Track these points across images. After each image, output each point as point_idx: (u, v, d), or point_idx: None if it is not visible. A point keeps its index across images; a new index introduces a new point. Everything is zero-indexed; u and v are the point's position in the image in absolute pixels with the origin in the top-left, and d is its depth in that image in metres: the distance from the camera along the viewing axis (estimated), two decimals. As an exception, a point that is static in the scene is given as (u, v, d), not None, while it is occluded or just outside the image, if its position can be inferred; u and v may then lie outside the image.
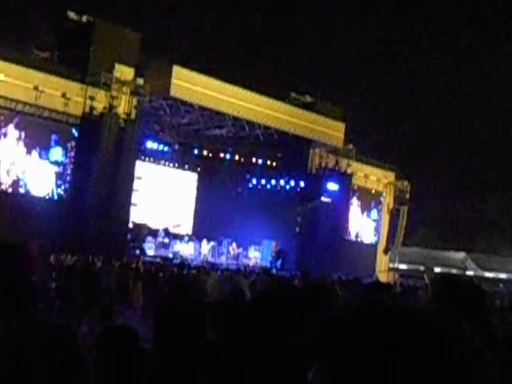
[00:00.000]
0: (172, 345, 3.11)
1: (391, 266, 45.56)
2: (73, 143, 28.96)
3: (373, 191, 41.85)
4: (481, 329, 2.69)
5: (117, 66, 29.15)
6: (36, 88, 26.94)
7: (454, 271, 49.98)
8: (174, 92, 29.74)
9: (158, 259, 29.30)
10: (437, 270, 50.41)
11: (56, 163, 28.69)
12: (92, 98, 28.67)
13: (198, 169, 41.11)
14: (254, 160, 39.10)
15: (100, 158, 28.38)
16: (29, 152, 27.79)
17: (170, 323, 3.21)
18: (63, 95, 27.88)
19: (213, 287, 3.41)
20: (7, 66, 26.23)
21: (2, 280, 3.15)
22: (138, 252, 30.97)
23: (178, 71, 29.59)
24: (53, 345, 2.24)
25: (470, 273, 50.96)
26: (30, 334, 2.29)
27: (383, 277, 40.73)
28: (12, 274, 3.16)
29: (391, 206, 42.58)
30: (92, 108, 28.71)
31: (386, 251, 42.88)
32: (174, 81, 29.37)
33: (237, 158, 39.07)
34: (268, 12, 64.45)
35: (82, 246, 23.94)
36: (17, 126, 27.25)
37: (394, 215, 42.52)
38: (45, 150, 28.30)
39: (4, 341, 2.37)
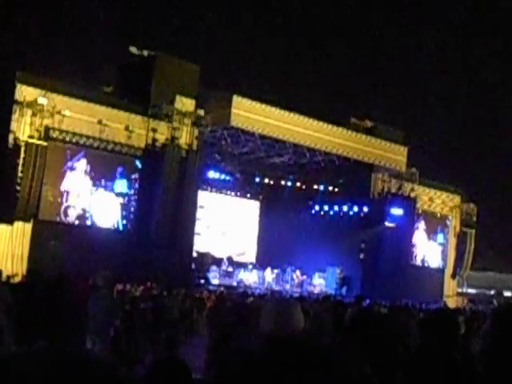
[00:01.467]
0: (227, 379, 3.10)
1: (459, 290, 44.50)
2: (137, 175, 29.46)
3: (438, 215, 41.14)
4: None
5: (178, 97, 29.64)
6: (100, 122, 27.62)
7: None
8: (234, 121, 30.01)
9: (223, 288, 29.35)
10: (507, 294, 49.00)
11: (121, 195, 29.22)
12: (154, 130, 29.19)
13: (260, 197, 41.27)
14: (315, 186, 38.99)
15: (163, 189, 28.77)
16: (95, 184, 28.41)
17: (229, 359, 3.20)
18: (126, 128, 28.48)
19: (266, 316, 3.33)
20: (72, 102, 26.97)
21: (57, 309, 3.20)
22: (202, 281, 31.15)
23: (237, 101, 29.87)
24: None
25: (542, 296, 49.35)
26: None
27: (451, 302, 39.83)
28: (66, 303, 3.21)
29: (458, 230, 41.72)
30: (154, 140, 29.22)
31: (453, 276, 41.95)
32: (233, 110, 29.65)
33: (298, 184, 39.04)
34: (323, 38, 64.61)
35: (147, 276, 24.20)
36: (83, 160, 27.91)
37: (460, 239, 41.63)
38: (110, 181, 28.88)
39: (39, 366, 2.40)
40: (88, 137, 27.64)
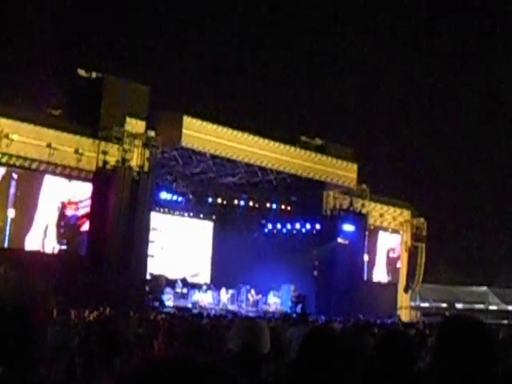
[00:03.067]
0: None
1: (413, 304, 45.05)
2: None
3: (389, 230, 41.69)
4: (486, 367, 2.67)
5: (128, 119, 29.53)
6: (49, 145, 27.28)
7: (477, 306, 49.33)
8: (185, 142, 30.00)
9: (175, 310, 29.13)
10: (459, 306, 49.79)
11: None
12: (105, 153, 28.97)
13: (213, 217, 41.24)
14: (268, 205, 39.14)
15: (115, 211, 28.52)
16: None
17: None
18: (76, 151, 28.19)
19: (229, 337, 3.35)
20: (20, 126, 26.62)
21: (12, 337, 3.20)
22: (156, 303, 30.87)
23: (188, 121, 29.89)
24: None
25: (492, 307, 50.28)
26: None
27: (405, 316, 40.29)
28: (21, 332, 3.20)
29: (409, 244, 42.32)
30: (105, 162, 28.98)
31: (406, 290, 42.48)
32: (184, 131, 29.64)
33: (251, 204, 39.13)
34: (273, 56, 65.18)
35: (100, 300, 23.88)
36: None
37: (412, 253, 42.23)
38: (60, 206, 28.49)
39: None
40: (37, 161, 27.26)
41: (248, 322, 4.02)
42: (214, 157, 32.44)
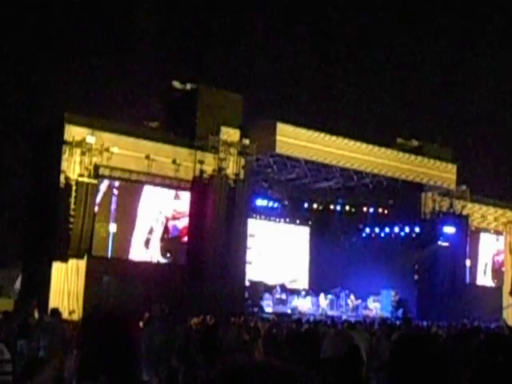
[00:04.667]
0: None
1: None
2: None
3: (492, 231, 40.40)
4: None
5: (223, 128, 29.92)
6: (148, 157, 28.01)
7: None
8: (280, 149, 30.08)
9: (276, 316, 29.20)
10: None
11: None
12: (201, 162, 29.46)
13: (310, 222, 41.15)
14: (365, 209, 38.70)
15: (213, 220, 28.93)
16: (145, 219, 28.73)
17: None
18: (174, 161, 28.80)
19: (328, 344, 3.36)
20: (119, 139, 27.45)
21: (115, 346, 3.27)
22: (256, 310, 31.06)
23: (281, 128, 29.97)
24: None
25: None
26: None
27: (511, 320, 38.87)
28: (123, 340, 3.27)
29: (513, 246, 40.87)
30: (202, 171, 29.47)
31: (511, 293, 41.00)
32: (278, 138, 29.74)
33: (347, 208, 38.82)
34: (365, 60, 64.55)
35: (200, 307, 24.26)
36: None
37: (516, 255, 40.75)
38: (161, 215, 29.18)
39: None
40: (137, 172, 28.03)
41: (344, 332, 3.99)
42: (308, 162, 32.37)
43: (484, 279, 39.99)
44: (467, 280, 37.98)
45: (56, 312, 14.35)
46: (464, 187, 36.95)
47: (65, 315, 18.66)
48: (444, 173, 35.53)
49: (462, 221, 36.70)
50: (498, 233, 40.66)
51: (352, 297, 35.68)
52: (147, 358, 9.63)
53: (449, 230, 35.91)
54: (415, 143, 36.45)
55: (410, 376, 2.74)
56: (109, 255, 27.53)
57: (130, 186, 28.15)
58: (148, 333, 10.28)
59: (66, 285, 25.99)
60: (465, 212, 37.16)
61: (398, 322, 24.36)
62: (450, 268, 35.25)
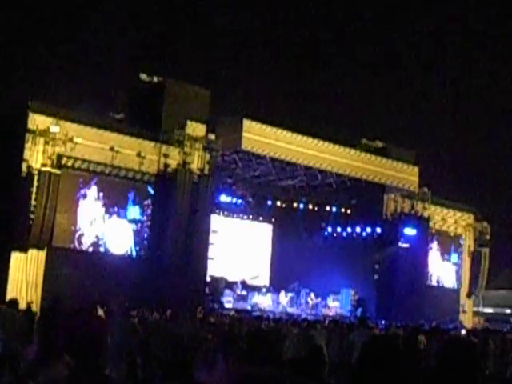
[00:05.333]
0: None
1: (475, 309, 44.14)
2: (149, 201, 29.54)
3: (452, 234, 40.93)
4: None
5: (189, 123, 29.80)
6: (112, 149, 27.78)
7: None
8: (245, 145, 30.07)
9: (236, 312, 29.23)
10: (524, 312, 48.55)
11: (134, 221, 29.28)
12: (166, 156, 29.32)
13: (273, 220, 41.26)
14: (328, 208, 38.94)
15: (175, 214, 28.82)
16: (107, 211, 28.50)
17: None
18: (138, 154, 28.61)
19: (290, 344, 3.36)
20: (84, 129, 27.17)
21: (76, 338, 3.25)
22: (216, 306, 31.05)
23: (248, 125, 29.96)
24: None
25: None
26: None
27: (467, 321, 39.50)
28: (84, 332, 3.25)
29: (472, 249, 41.45)
30: (166, 165, 29.33)
31: (469, 295, 41.61)
32: (244, 134, 29.72)
33: (310, 207, 39.00)
34: (334, 60, 64.92)
35: (160, 302, 24.15)
36: (95, 187, 28.04)
37: (475, 258, 41.33)
38: (123, 208, 28.96)
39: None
40: (100, 164, 27.79)
41: (307, 333, 4.01)
42: (273, 160, 32.43)
43: (444, 281, 40.50)
44: (427, 281, 38.46)
45: (14, 303, 14.14)
46: (426, 189, 37.38)
47: (23, 306, 18.41)
48: (406, 175, 35.89)
49: (422, 223, 37.13)
50: (457, 236, 41.19)
51: (312, 295, 35.88)
52: (108, 352, 9.54)
53: (410, 231, 36.32)
54: (379, 144, 36.74)
55: (377, 376, 2.77)
56: (70, 246, 27.24)
57: (93, 178, 27.88)
58: (109, 327, 10.20)
59: (25, 275, 25.66)
60: (426, 214, 37.60)
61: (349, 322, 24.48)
62: (409, 269, 35.64)
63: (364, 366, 3.21)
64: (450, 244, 40.99)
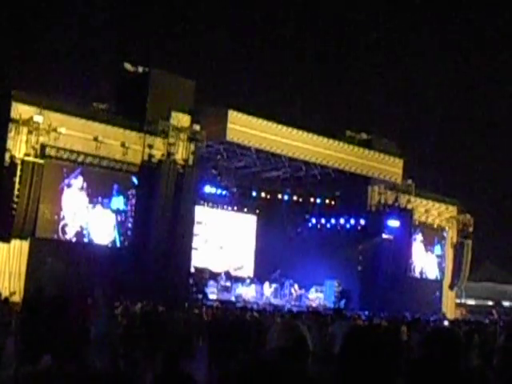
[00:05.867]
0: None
1: (458, 301, 44.46)
2: (133, 191, 29.45)
3: (435, 226, 41.17)
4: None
5: (173, 113, 29.68)
6: (96, 139, 27.65)
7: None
8: (230, 136, 30.03)
9: (220, 303, 29.24)
10: (505, 304, 48.98)
11: (118, 211, 29.19)
12: (150, 146, 29.21)
13: (257, 211, 41.26)
14: (312, 200, 38.99)
15: (159, 205, 28.75)
16: (91, 201, 28.38)
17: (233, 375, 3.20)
18: (122, 144, 28.50)
19: (274, 334, 3.37)
20: (68, 119, 27.00)
21: (59, 328, 3.24)
22: (200, 296, 31.05)
23: (233, 116, 29.91)
24: None
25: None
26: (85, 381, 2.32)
27: (450, 313, 39.80)
28: (67, 322, 3.24)
29: (455, 241, 41.73)
30: (150, 156, 29.23)
31: (451, 287, 41.91)
32: (229, 125, 29.67)
33: (295, 198, 39.05)
34: (319, 52, 64.89)
35: (144, 292, 24.12)
36: (79, 177, 27.91)
37: (458, 250, 41.62)
38: (107, 198, 28.86)
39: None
40: (84, 154, 27.65)
41: (291, 322, 4.01)
42: (258, 151, 32.43)
43: (427, 272, 40.75)
44: (410, 273, 38.69)
45: (-4, 294, 14.05)
46: (409, 182, 37.55)
47: (4, 296, 18.29)
48: (391, 167, 36.01)
49: (406, 215, 37.29)
50: (440, 228, 41.43)
51: (296, 286, 35.96)
52: (90, 342, 9.52)
53: (393, 223, 36.47)
54: (364, 136, 36.80)
55: (359, 367, 2.78)
56: (54, 237, 27.11)
57: (77, 168, 27.75)
58: (92, 317, 10.18)
59: (8, 266, 25.52)
60: (409, 206, 37.76)
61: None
62: (393, 260, 35.80)
63: (345, 357, 3.22)
64: (433, 236, 41.24)
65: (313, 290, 36.60)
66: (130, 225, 29.36)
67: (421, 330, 14.20)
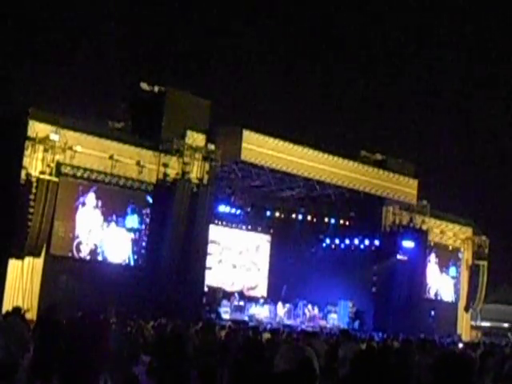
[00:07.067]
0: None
1: (473, 323, 44.03)
2: (148, 210, 29.49)
3: (450, 247, 40.90)
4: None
5: (188, 132, 29.80)
6: (111, 157, 27.77)
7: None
8: (245, 156, 30.09)
9: (233, 323, 29.09)
10: (522, 327, 48.39)
11: (132, 230, 29.22)
12: (165, 165, 29.31)
13: (271, 230, 41.19)
14: (326, 220, 38.91)
15: (174, 224, 28.78)
16: (106, 220, 28.45)
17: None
18: (137, 163, 28.61)
19: (280, 357, 3.35)
20: (83, 138, 27.16)
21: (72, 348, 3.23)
22: (213, 316, 30.94)
23: (247, 135, 29.99)
24: None
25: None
26: None
27: (465, 335, 39.42)
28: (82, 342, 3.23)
29: (470, 263, 41.43)
30: (165, 175, 29.32)
31: (466, 309, 41.54)
32: (244, 145, 29.75)
33: (309, 218, 38.98)
34: (333, 72, 65.03)
35: (158, 311, 24.09)
36: (94, 195, 28.00)
37: (473, 271, 41.30)
38: (121, 217, 28.91)
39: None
40: (99, 172, 27.76)
41: (297, 345, 3.99)
42: (272, 171, 32.44)
43: (442, 294, 40.44)
44: (425, 295, 38.41)
45: (18, 311, 14.03)
46: (425, 202, 37.39)
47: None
48: (405, 187, 35.91)
49: (421, 235, 37.10)
50: (455, 249, 41.15)
51: (309, 306, 35.79)
52: (106, 361, 9.48)
53: (408, 244, 36.27)
54: (379, 157, 36.77)
55: None
56: (68, 255, 27.16)
57: (92, 186, 27.84)
58: (106, 336, 10.13)
59: (22, 283, 25.58)
60: (424, 227, 37.57)
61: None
62: (407, 282, 35.59)
63: (352, 380, 3.19)
64: (448, 257, 40.96)
65: (327, 310, 36.41)
66: (144, 243, 29.37)
67: (433, 352, 14.04)
